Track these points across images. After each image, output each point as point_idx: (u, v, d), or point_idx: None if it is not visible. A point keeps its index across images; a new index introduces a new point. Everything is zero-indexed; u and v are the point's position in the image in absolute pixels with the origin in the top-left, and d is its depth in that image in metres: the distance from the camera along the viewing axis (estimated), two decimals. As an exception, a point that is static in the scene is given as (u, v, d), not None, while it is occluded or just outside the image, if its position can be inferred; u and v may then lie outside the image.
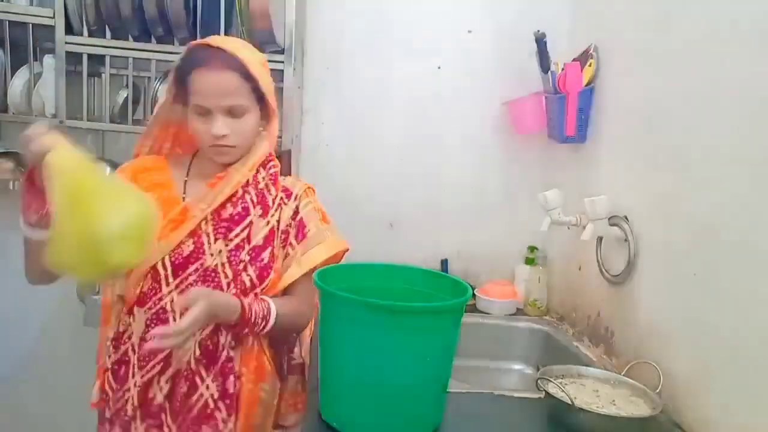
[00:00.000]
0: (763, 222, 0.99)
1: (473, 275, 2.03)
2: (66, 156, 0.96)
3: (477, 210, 2.03)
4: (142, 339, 1.18)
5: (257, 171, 1.25)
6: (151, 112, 1.79)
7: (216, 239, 1.20)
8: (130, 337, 1.21)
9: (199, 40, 1.22)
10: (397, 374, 1.00)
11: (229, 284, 1.19)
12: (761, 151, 1.01)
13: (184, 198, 1.24)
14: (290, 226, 1.26)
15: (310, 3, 1.92)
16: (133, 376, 1.19)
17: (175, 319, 1.15)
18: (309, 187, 1.33)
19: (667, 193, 1.29)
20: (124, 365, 1.21)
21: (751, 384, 1.00)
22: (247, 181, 1.24)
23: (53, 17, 1.71)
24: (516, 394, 1.27)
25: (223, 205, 1.21)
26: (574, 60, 1.72)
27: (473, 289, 1.93)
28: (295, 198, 1.28)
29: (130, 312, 1.21)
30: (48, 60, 1.75)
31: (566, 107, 1.69)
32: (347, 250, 1.30)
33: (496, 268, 2.05)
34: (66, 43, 1.72)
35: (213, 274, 1.19)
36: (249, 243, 1.21)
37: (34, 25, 1.73)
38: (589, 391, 1.20)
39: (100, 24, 1.76)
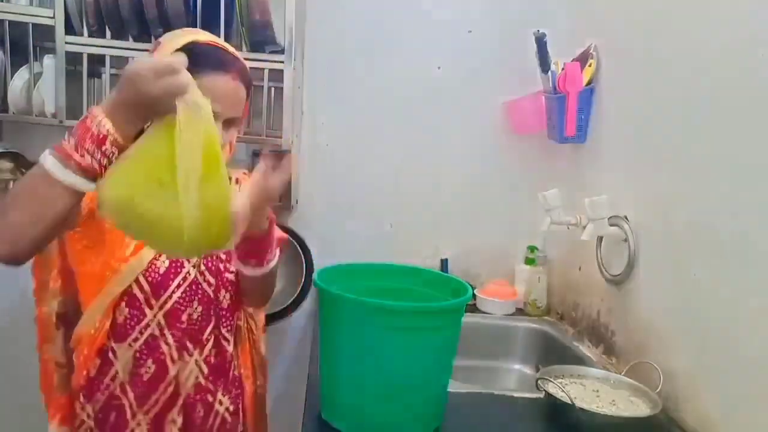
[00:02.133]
0: (763, 222, 0.99)
1: (473, 275, 2.03)
2: (207, 106, 0.78)
3: (477, 210, 2.03)
4: (134, 374, 1.08)
5: None
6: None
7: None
8: (113, 379, 1.09)
9: (211, 39, 1.11)
10: (397, 374, 1.00)
11: (216, 290, 1.13)
12: (761, 151, 1.01)
13: None
14: None
15: (310, 3, 1.92)
16: (134, 418, 1.08)
17: (167, 344, 1.09)
18: (243, 173, 1.28)
19: (667, 193, 1.29)
20: (114, 410, 1.09)
21: (751, 384, 1.00)
22: None
23: (53, 17, 1.70)
24: (516, 394, 1.27)
25: None
26: (574, 60, 1.71)
27: (473, 289, 1.93)
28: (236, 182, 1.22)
29: (102, 352, 1.08)
30: (48, 60, 1.75)
31: (566, 107, 1.69)
32: None
33: (496, 268, 2.05)
34: (66, 43, 1.72)
35: (195, 287, 1.12)
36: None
37: (34, 25, 1.72)
38: (589, 391, 1.20)
39: (100, 24, 1.76)
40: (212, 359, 1.13)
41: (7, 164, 1.85)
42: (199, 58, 1.02)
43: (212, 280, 1.13)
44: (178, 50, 1.00)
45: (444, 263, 2.03)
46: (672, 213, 1.27)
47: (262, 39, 1.71)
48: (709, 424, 1.10)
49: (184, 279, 1.10)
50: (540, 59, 1.74)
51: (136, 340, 1.08)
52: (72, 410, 1.15)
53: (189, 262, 1.11)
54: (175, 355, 1.10)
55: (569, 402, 1.07)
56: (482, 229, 2.04)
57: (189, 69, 0.90)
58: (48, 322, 1.19)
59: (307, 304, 1.95)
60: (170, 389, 1.09)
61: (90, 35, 1.75)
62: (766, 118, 1.00)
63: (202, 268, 1.12)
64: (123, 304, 1.07)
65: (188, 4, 1.70)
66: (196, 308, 1.12)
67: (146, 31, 1.75)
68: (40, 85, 1.75)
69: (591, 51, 1.67)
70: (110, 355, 1.08)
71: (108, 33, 1.76)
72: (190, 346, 1.12)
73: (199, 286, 1.12)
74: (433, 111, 1.99)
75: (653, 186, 1.35)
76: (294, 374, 2.01)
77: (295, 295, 1.89)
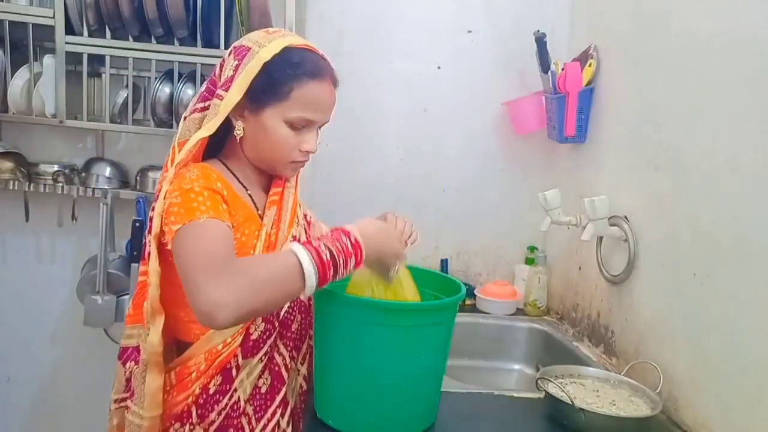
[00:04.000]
0: (763, 222, 0.99)
1: (473, 275, 2.04)
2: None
3: (477, 210, 2.03)
4: (253, 387, 1.05)
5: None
6: (152, 112, 1.80)
7: None
8: (235, 390, 1.03)
9: (303, 42, 1.06)
10: (392, 372, 1.00)
11: (309, 299, 1.12)
12: (760, 151, 1.01)
13: (260, 216, 1.09)
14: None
15: (310, 3, 1.92)
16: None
17: (281, 354, 1.08)
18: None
19: (667, 193, 1.29)
20: (232, 428, 1.04)
21: (751, 384, 1.00)
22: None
23: (53, 17, 1.71)
24: (516, 394, 1.27)
25: (291, 223, 1.13)
26: (574, 60, 1.72)
27: (473, 289, 1.94)
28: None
29: (225, 368, 1.02)
30: (48, 60, 1.75)
31: (566, 107, 1.69)
32: None
33: (496, 268, 2.05)
34: (66, 43, 1.72)
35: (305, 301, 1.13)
36: None
37: (34, 25, 1.73)
38: (589, 391, 1.20)
39: (100, 24, 1.76)
40: (305, 373, 1.14)
41: (7, 164, 1.85)
42: (299, 66, 1.02)
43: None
44: (276, 54, 1.00)
45: (444, 263, 2.02)
46: (672, 213, 1.27)
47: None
48: (709, 424, 1.10)
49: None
50: (540, 59, 1.74)
51: (266, 353, 1.06)
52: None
53: None
54: (289, 365, 1.10)
55: (569, 402, 1.07)
56: (482, 229, 2.04)
57: (301, 75, 1.02)
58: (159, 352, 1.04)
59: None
60: (284, 399, 1.08)
61: (90, 35, 1.75)
62: (766, 117, 1.00)
63: None
64: (260, 318, 1.05)
65: (188, 4, 1.71)
66: (296, 317, 1.12)
67: (146, 31, 1.75)
68: (40, 85, 1.76)
69: (591, 51, 1.67)
70: (233, 371, 1.03)
71: (108, 33, 1.76)
72: (295, 354, 1.13)
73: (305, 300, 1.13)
74: (433, 111, 1.99)
75: (653, 186, 1.35)
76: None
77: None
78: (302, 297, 0.92)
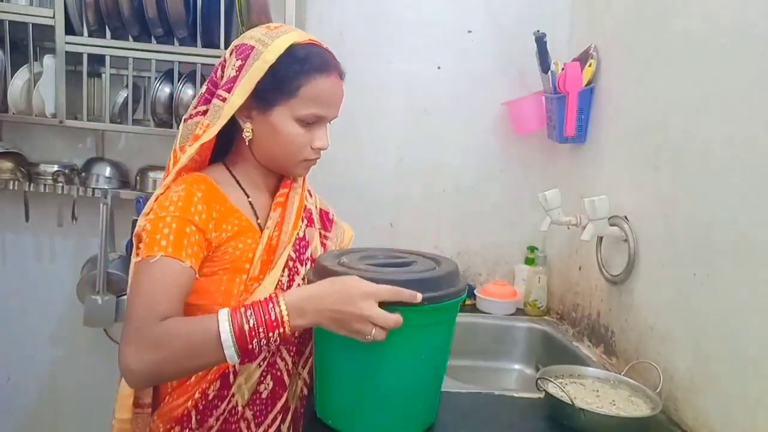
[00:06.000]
0: (763, 222, 0.99)
1: (473, 275, 2.04)
2: None
3: (477, 210, 2.03)
4: (253, 392, 1.04)
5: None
6: (152, 112, 1.80)
7: (302, 263, 1.09)
8: (233, 396, 1.03)
9: (309, 38, 1.04)
10: (392, 372, 0.99)
11: None
12: (761, 151, 1.01)
13: (260, 225, 1.07)
14: (318, 220, 1.22)
15: (310, 3, 1.92)
16: None
17: (283, 359, 1.06)
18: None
19: (667, 193, 1.29)
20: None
21: (751, 384, 1.00)
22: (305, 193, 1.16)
23: (53, 17, 1.71)
24: (516, 394, 1.27)
25: (296, 224, 1.10)
26: (574, 60, 1.72)
27: (473, 288, 1.94)
28: (310, 194, 1.23)
29: (224, 374, 1.02)
30: (48, 60, 1.75)
31: (566, 107, 1.69)
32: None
33: (496, 268, 2.05)
34: (66, 43, 1.72)
35: None
36: (314, 259, 1.10)
37: (34, 25, 1.73)
38: (589, 391, 1.20)
39: (100, 24, 1.76)
40: (306, 377, 1.13)
41: (7, 164, 1.85)
42: (306, 62, 1.00)
43: None
44: (281, 55, 0.98)
45: (444, 263, 2.02)
46: (672, 213, 1.27)
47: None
48: (709, 424, 1.10)
49: None
50: (540, 59, 1.74)
51: (264, 358, 1.04)
52: None
53: (298, 274, 1.07)
54: (291, 370, 1.09)
55: (569, 402, 1.07)
56: (482, 229, 2.04)
57: (309, 72, 0.99)
58: None
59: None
60: (285, 404, 1.07)
61: (90, 35, 1.75)
62: (767, 117, 1.00)
63: (311, 277, 1.03)
64: None
65: (188, 4, 1.71)
66: None
67: (146, 31, 1.75)
68: (40, 85, 1.76)
69: (591, 51, 1.67)
70: (231, 377, 1.02)
71: (108, 33, 1.76)
72: (297, 358, 1.11)
73: None
74: (433, 111, 1.99)
75: (653, 186, 1.35)
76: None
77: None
78: (230, 363, 0.93)
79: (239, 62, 1.01)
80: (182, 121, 1.08)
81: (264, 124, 1.02)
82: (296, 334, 1.09)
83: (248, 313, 0.87)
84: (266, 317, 0.87)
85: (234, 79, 1.00)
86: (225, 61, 1.05)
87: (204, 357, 0.88)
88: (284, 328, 0.88)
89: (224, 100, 1.00)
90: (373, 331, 0.88)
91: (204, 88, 1.07)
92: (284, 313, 0.88)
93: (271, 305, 0.88)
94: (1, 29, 1.74)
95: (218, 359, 0.87)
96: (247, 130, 1.04)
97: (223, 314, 0.87)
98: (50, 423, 2.09)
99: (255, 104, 1.01)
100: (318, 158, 1.08)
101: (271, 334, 0.87)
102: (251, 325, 0.86)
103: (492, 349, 1.79)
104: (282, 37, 1.01)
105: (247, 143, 1.06)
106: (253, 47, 1.01)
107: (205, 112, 1.04)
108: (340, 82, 1.05)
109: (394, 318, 0.89)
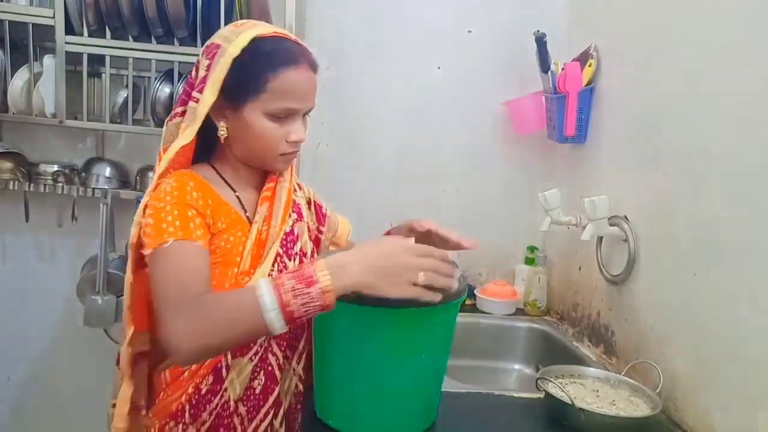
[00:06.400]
0: (763, 222, 0.99)
1: (473, 275, 2.04)
2: None
3: (477, 210, 2.03)
4: (247, 388, 1.04)
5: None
6: (152, 112, 1.80)
7: (290, 258, 1.09)
8: (225, 390, 1.02)
9: (273, 31, 1.03)
10: (392, 372, 0.99)
11: None
12: (761, 151, 1.01)
13: (249, 219, 1.07)
14: (311, 215, 1.22)
15: (310, 3, 1.92)
16: None
17: (274, 354, 1.05)
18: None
19: (667, 193, 1.29)
20: (222, 428, 1.03)
21: (751, 384, 1.00)
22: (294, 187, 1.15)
23: (53, 17, 1.71)
24: (516, 394, 1.28)
25: (284, 219, 1.10)
26: (574, 60, 1.72)
27: (473, 288, 1.94)
28: (300, 187, 1.22)
29: (216, 368, 1.02)
30: (48, 60, 1.75)
31: (566, 107, 1.69)
32: None
33: (496, 268, 2.05)
34: (66, 43, 1.72)
35: None
36: (305, 253, 1.11)
37: (34, 25, 1.73)
38: (589, 391, 1.20)
39: (100, 24, 1.76)
40: (301, 373, 1.13)
41: (7, 164, 1.85)
42: (272, 56, 0.99)
43: None
44: (244, 48, 0.97)
45: (444, 263, 2.02)
46: (672, 213, 1.27)
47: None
48: (709, 424, 1.10)
49: None
50: (540, 59, 1.74)
51: (256, 353, 1.04)
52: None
53: (287, 270, 1.06)
54: (282, 365, 1.08)
55: (569, 402, 1.07)
56: (482, 229, 2.04)
57: (275, 66, 0.98)
58: (132, 362, 1.08)
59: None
60: (277, 400, 1.07)
61: (90, 35, 1.75)
62: (766, 117, 1.00)
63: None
64: None
65: (188, 4, 1.71)
66: None
67: (146, 31, 1.75)
68: (40, 85, 1.76)
69: (591, 51, 1.67)
70: (224, 371, 1.02)
71: (108, 33, 1.76)
72: (289, 354, 1.11)
73: None
74: (433, 111, 1.99)
75: (653, 186, 1.35)
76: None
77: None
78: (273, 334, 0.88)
79: (207, 62, 1.01)
80: (165, 122, 1.08)
81: (237, 122, 1.02)
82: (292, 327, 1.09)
83: (286, 276, 0.85)
84: (306, 277, 0.84)
85: (204, 79, 1.00)
86: (198, 61, 1.05)
87: (247, 324, 0.85)
88: (323, 283, 0.84)
89: (197, 101, 1.00)
90: (422, 275, 0.86)
91: (182, 89, 1.06)
92: (323, 273, 0.84)
93: (310, 267, 0.85)
94: (1, 29, 1.74)
95: (261, 325, 0.84)
96: (222, 129, 1.04)
97: (261, 280, 0.86)
98: (50, 423, 2.09)
99: (227, 103, 1.01)
100: (296, 151, 1.07)
101: (310, 290, 0.83)
102: (290, 286, 0.83)
103: (492, 349, 1.79)
104: (246, 32, 1.00)
105: (224, 141, 1.06)
106: (219, 45, 1.01)
107: (183, 113, 1.04)
108: (310, 73, 1.03)
109: (440, 253, 0.89)
